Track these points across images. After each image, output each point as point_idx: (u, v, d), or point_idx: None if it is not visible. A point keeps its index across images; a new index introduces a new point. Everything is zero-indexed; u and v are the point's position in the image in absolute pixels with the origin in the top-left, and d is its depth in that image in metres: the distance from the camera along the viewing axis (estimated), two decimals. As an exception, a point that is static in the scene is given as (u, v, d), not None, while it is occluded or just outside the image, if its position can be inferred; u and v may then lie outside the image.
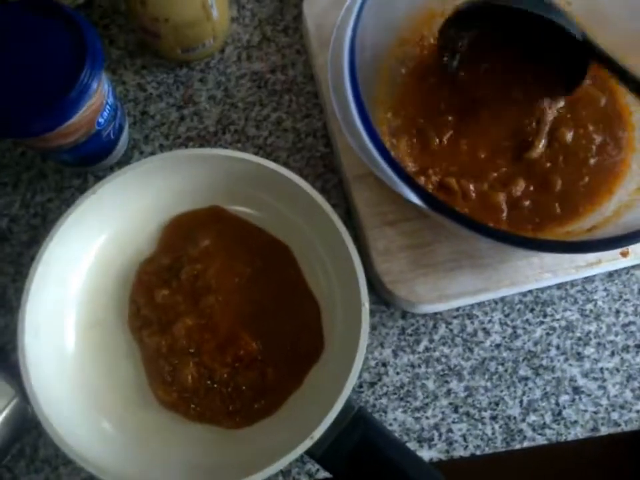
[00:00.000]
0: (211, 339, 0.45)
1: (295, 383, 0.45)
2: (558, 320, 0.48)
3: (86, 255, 0.46)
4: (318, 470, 0.45)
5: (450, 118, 0.47)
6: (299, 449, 0.39)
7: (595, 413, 0.46)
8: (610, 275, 0.49)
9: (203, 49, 0.53)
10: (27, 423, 0.44)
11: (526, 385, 0.46)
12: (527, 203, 0.44)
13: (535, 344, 0.47)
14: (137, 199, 0.46)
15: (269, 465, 0.39)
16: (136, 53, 0.55)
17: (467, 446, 0.45)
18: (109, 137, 0.47)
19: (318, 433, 0.39)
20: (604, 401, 0.46)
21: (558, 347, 0.47)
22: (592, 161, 0.46)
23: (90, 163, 0.49)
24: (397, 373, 0.47)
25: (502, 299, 0.48)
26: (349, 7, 0.41)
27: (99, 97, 0.44)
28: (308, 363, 0.45)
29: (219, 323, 0.45)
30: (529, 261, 0.46)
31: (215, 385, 0.44)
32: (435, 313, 0.47)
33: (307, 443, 0.39)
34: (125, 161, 0.51)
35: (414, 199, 0.37)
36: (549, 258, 0.46)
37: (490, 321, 0.48)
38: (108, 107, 0.45)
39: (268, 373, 0.44)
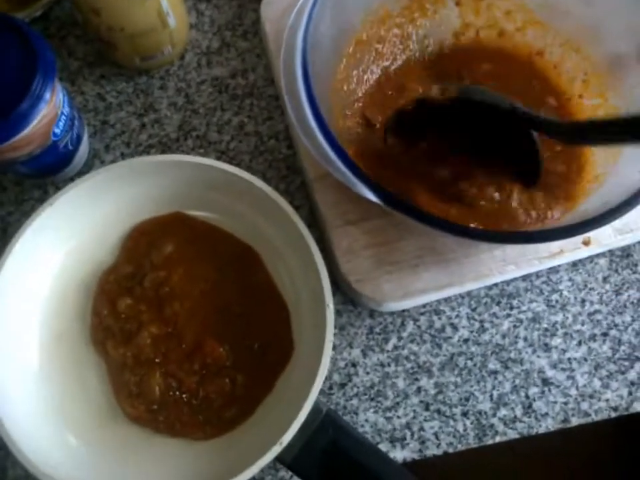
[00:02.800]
0: (177, 348, 0.44)
1: (265, 389, 0.44)
2: (524, 312, 0.48)
3: (48, 266, 0.45)
4: (292, 477, 0.44)
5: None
6: (268, 456, 0.38)
7: (565, 404, 0.46)
8: (574, 264, 0.49)
9: (161, 57, 0.52)
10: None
11: (495, 378, 0.46)
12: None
13: (503, 337, 0.47)
14: (97, 208, 0.46)
15: (239, 473, 0.38)
16: (95, 63, 0.54)
17: (439, 444, 0.45)
18: (66, 148, 0.47)
19: (286, 439, 0.39)
20: (573, 391, 0.46)
21: (525, 339, 0.47)
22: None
23: (49, 174, 0.48)
24: (367, 373, 0.46)
25: (468, 294, 0.48)
26: (300, 9, 0.41)
27: (53, 107, 0.43)
28: (278, 367, 0.44)
29: (185, 330, 0.45)
30: (492, 254, 0.46)
31: (184, 396, 0.44)
32: (403, 311, 0.47)
33: (276, 449, 0.39)
34: (86, 171, 0.51)
35: (372, 197, 0.37)
36: (512, 250, 0.46)
37: (457, 316, 0.48)
38: (63, 117, 0.45)
39: (238, 380, 0.44)
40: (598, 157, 0.45)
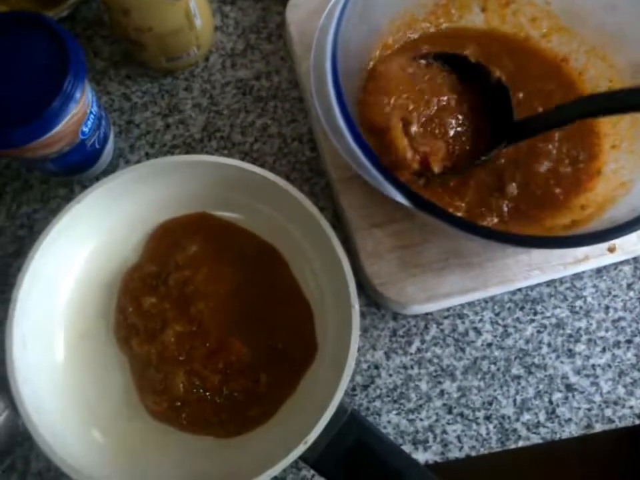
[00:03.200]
0: (202, 346, 0.44)
1: (289, 389, 0.44)
2: (548, 317, 0.48)
3: (73, 264, 0.46)
4: (314, 476, 0.44)
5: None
6: (293, 455, 0.38)
7: (589, 410, 0.46)
8: (598, 271, 0.49)
9: (187, 58, 0.53)
10: (18, 436, 0.43)
11: (519, 383, 0.46)
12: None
13: (526, 342, 0.47)
14: (123, 207, 0.46)
15: (263, 472, 0.38)
16: (120, 63, 0.55)
17: (461, 447, 0.45)
18: (93, 147, 0.47)
19: (311, 438, 0.39)
20: (597, 398, 0.46)
21: (549, 345, 0.47)
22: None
23: (75, 172, 0.49)
24: (390, 375, 0.46)
25: (492, 298, 0.48)
26: (330, 11, 0.41)
27: (83, 106, 0.44)
28: (301, 367, 0.44)
29: (209, 329, 0.45)
30: (517, 258, 0.46)
31: (207, 394, 0.44)
32: (426, 314, 0.47)
33: (301, 448, 0.39)
34: (110, 170, 0.51)
35: (400, 198, 0.37)
36: (537, 255, 0.46)
37: (481, 320, 0.47)
38: (92, 116, 0.45)
39: (261, 379, 0.44)
40: (626, 162, 0.45)
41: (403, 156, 0.44)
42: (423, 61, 0.48)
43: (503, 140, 0.45)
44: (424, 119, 0.46)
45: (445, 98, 0.47)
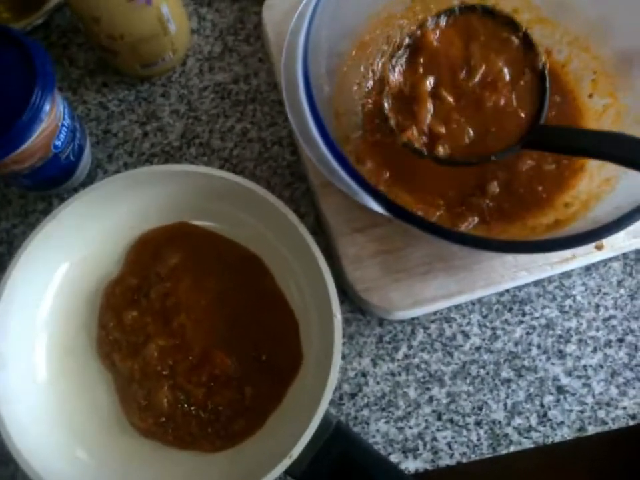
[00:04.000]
0: (185, 360, 0.44)
1: (275, 401, 0.43)
2: (537, 318, 0.47)
3: (52, 279, 0.45)
4: (301, 488, 0.43)
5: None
6: (278, 469, 0.38)
7: (581, 412, 0.45)
8: (587, 268, 0.48)
9: (163, 64, 0.52)
10: (3, 457, 0.42)
11: (509, 387, 0.45)
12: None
13: (516, 344, 0.46)
14: (101, 219, 0.45)
15: (250, 485, 0.38)
16: (96, 71, 0.54)
17: (452, 454, 0.44)
18: (68, 159, 0.46)
19: (296, 452, 0.38)
20: (589, 399, 0.45)
21: (539, 346, 0.46)
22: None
23: (51, 186, 0.48)
24: (377, 383, 0.45)
25: (479, 300, 0.47)
26: (302, 13, 0.40)
27: (53, 119, 0.43)
28: (287, 378, 0.44)
29: (192, 342, 0.44)
30: (503, 260, 0.45)
31: (192, 408, 0.43)
32: (412, 319, 0.46)
33: (286, 462, 0.38)
34: (89, 182, 0.50)
35: (376, 207, 0.36)
36: (523, 256, 0.45)
37: (468, 324, 0.47)
38: (64, 129, 0.44)
39: (246, 392, 0.43)
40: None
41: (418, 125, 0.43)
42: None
43: (519, 141, 0.42)
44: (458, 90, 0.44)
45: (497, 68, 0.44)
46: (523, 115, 0.43)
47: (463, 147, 0.43)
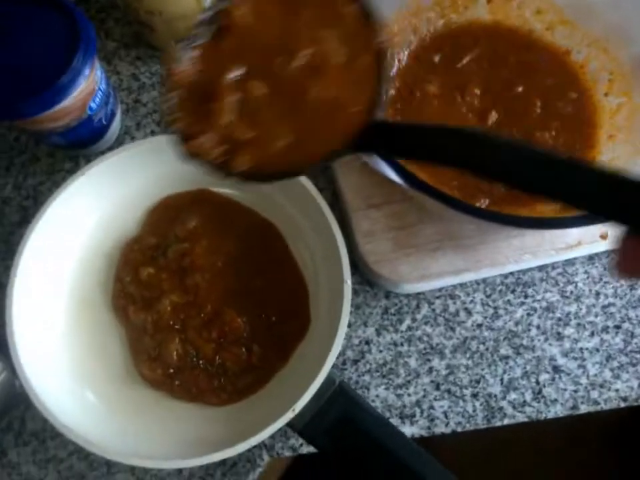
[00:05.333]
0: (197, 316, 0.46)
1: (281, 361, 0.45)
2: (539, 301, 0.49)
3: (75, 234, 0.47)
4: (302, 444, 0.45)
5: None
6: (281, 421, 0.40)
7: (575, 391, 0.47)
8: (590, 257, 0.50)
9: (195, 40, 0.54)
10: (15, 397, 0.44)
11: (507, 363, 0.47)
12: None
13: (516, 324, 0.48)
14: (126, 181, 0.48)
15: (251, 436, 0.39)
16: (131, 44, 0.56)
17: (448, 422, 0.46)
18: (100, 122, 0.49)
19: (299, 406, 0.40)
20: (583, 380, 0.47)
21: (538, 327, 0.48)
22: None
23: (82, 146, 0.50)
24: (380, 351, 0.47)
25: (484, 280, 0.49)
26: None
27: (91, 82, 0.45)
28: (294, 340, 0.46)
29: (205, 300, 0.46)
30: (510, 242, 0.47)
31: (200, 362, 0.45)
32: (418, 293, 0.48)
33: (289, 415, 0.40)
34: (116, 146, 0.52)
35: (394, 177, 0.38)
36: (530, 240, 0.47)
37: (472, 302, 0.48)
38: (100, 92, 0.47)
39: (254, 350, 0.45)
40: (621, 151, 0.46)
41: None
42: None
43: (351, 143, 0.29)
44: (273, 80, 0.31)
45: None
46: (355, 109, 0.30)
47: (275, 155, 0.30)
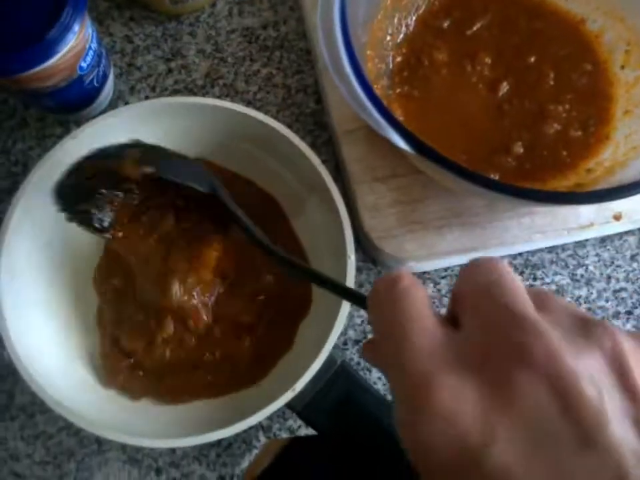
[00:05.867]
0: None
1: (285, 343, 0.43)
2: (548, 284, 0.47)
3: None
4: (300, 426, 0.44)
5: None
6: (280, 401, 0.38)
7: (583, 377, 0.45)
8: (602, 240, 0.48)
9: (193, 1, 0.51)
10: (3, 370, 0.42)
11: (513, 347, 0.45)
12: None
13: (524, 307, 0.46)
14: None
15: (250, 416, 0.38)
16: (124, 5, 0.53)
17: (451, 407, 0.44)
18: (91, 84, 0.46)
19: (299, 385, 0.38)
20: (592, 366, 0.45)
21: (547, 311, 0.46)
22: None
23: (72, 109, 0.48)
24: (383, 333, 0.45)
25: (491, 261, 0.47)
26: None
27: (81, 40, 0.42)
28: (296, 319, 0.43)
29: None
30: (519, 221, 0.45)
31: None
32: (423, 272, 0.46)
33: (289, 395, 0.38)
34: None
35: (403, 145, 0.36)
36: (540, 219, 0.45)
37: (479, 283, 0.46)
38: (91, 52, 0.44)
39: (258, 335, 0.43)
40: (639, 126, 0.44)
41: None
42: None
43: None
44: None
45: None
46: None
47: None
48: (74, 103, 0.47)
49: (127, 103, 0.51)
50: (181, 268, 0.41)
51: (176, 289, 0.41)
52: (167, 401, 0.42)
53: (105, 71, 0.47)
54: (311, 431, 0.40)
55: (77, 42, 0.42)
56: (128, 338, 0.42)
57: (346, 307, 0.39)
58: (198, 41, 0.52)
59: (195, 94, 0.51)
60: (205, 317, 0.42)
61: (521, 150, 0.44)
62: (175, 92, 0.51)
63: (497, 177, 0.43)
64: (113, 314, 0.43)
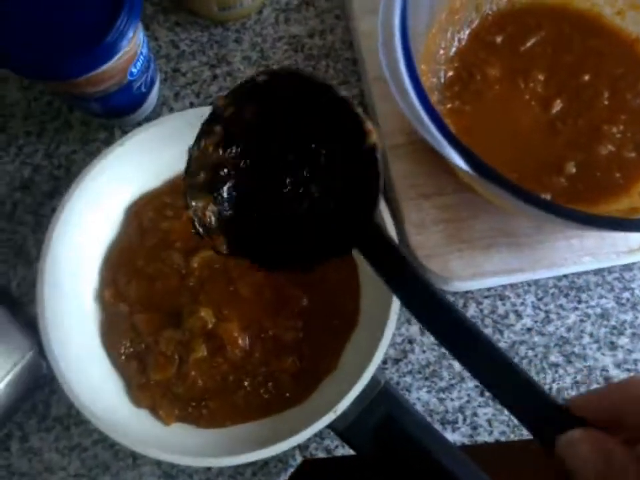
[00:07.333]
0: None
1: (331, 362, 0.42)
2: (593, 307, 0.46)
3: (109, 208, 0.45)
4: (337, 446, 0.43)
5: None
6: (321, 422, 0.37)
7: (627, 405, 0.44)
8: (650, 264, 0.47)
9: (240, 8, 0.51)
10: (41, 379, 0.42)
11: (556, 372, 0.45)
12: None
13: (568, 330, 0.45)
14: (164, 153, 0.44)
15: (290, 437, 0.37)
16: (170, 9, 0.53)
17: (491, 431, 0.43)
18: (139, 90, 0.46)
19: (341, 407, 0.38)
20: (637, 394, 0.44)
21: (591, 335, 0.45)
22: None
23: (118, 115, 0.47)
24: (423, 351, 0.45)
25: (536, 282, 0.46)
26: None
27: (134, 45, 0.42)
28: (342, 339, 0.42)
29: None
30: (569, 242, 0.44)
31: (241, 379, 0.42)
32: (466, 292, 0.46)
33: (330, 416, 0.38)
34: (153, 117, 0.50)
35: (461, 163, 0.35)
36: (590, 241, 0.44)
37: (522, 304, 0.46)
38: (142, 57, 0.44)
39: (304, 353, 0.42)
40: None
41: None
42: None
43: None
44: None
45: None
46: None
47: None
48: (121, 108, 0.46)
49: (171, 109, 0.50)
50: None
51: (207, 313, 0.41)
52: (203, 426, 0.41)
53: (153, 77, 0.47)
54: (348, 451, 0.40)
55: (130, 47, 0.41)
56: (154, 369, 0.41)
57: (391, 327, 0.39)
58: (243, 48, 0.52)
59: (239, 102, 0.50)
60: (240, 342, 0.42)
61: (573, 170, 0.43)
62: (220, 99, 0.50)
63: (548, 197, 0.42)
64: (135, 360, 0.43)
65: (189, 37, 0.52)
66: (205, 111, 0.42)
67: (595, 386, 0.44)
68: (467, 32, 0.47)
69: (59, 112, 0.50)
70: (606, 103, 0.46)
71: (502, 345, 0.45)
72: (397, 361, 0.45)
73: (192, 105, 0.51)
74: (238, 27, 0.53)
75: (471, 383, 0.44)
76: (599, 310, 0.46)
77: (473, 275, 0.43)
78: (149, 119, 0.50)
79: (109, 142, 0.48)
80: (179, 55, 0.52)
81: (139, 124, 0.49)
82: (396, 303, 0.39)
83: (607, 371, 0.45)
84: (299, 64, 0.51)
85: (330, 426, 0.38)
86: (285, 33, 0.52)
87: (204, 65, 0.52)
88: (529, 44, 0.47)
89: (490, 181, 0.34)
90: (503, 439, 0.43)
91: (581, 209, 0.41)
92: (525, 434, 0.43)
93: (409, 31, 0.36)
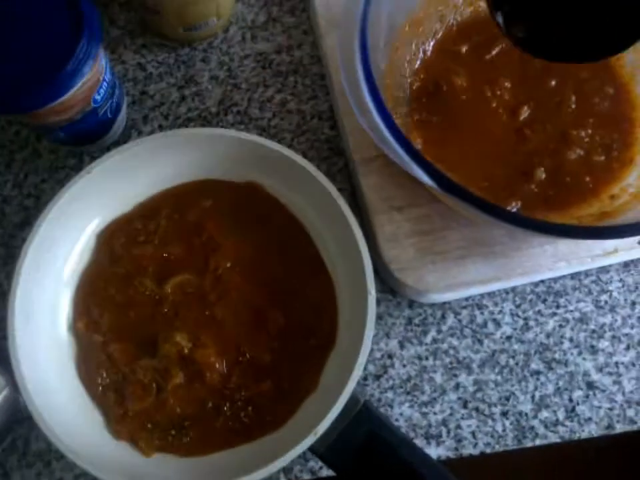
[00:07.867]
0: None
1: (310, 384, 0.41)
2: (571, 311, 0.46)
3: (80, 236, 0.44)
4: (321, 467, 0.43)
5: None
6: (302, 446, 0.37)
7: (610, 409, 0.44)
8: (626, 265, 0.47)
9: (206, 28, 0.51)
10: (19, 415, 0.41)
11: (538, 379, 0.44)
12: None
13: (547, 336, 0.45)
14: (133, 178, 0.44)
15: (271, 462, 0.37)
16: (136, 32, 0.53)
17: (476, 443, 0.43)
18: (105, 115, 0.45)
19: (321, 429, 0.37)
20: (619, 397, 0.44)
21: (571, 340, 0.45)
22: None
23: (86, 141, 0.47)
24: (404, 366, 0.45)
25: (513, 289, 0.46)
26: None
27: (96, 72, 0.42)
28: (321, 357, 0.42)
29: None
30: (543, 249, 0.44)
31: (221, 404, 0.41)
32: (444, 303, 0.45)
33: (310, 439, 0.37)
34: (122, 141, 0.49)
35: (426, 179, 0.35)
36: (564, 246, 0.44)
37: (500, 312, 0.46)
38: (105, 83, 0.44)
39: (282, 375, 0.41)
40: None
41: None
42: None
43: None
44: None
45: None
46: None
47: None
48: (88, 134, 0.46)
49: (140, 132, 0.50)
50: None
51: (183, 338, 0.41)
52: (184, 455, 0.40)
53: (119, 102, 0.47)
54: (333, 473, 0.40)
55: (92, 74, 0.41)
56: (132, 399, 0.41)
57: (367, 344, 0.38)
58: (211, 67, 0.52)
59: (208, 122, 0.50)
60: (218, 366, 0.41)
61: (543, 176, 0.43)
62: (189, 120, 0.50)
63: (519, 204, 0.42)
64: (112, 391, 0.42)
65: (156, 59, 0.52)
66: (176, 133, 0.43)
67: (577, 392, 0.44)
68: (432, 43, 0.47)
69: (27, 141, 0.49)
70: (573, 107, 0.46)
71: (482, 354, 0.45)
72: (377, 377, 0.44)
73: (161, 127, 0.50)
74: (205, 46, 0.52)
75: (453, 395, 0.44)
76: (577, 314, 0.46)
77: (448, 287, 0.43)
78: (117, 143, 0.49)
79: (78, 168, 0.48)
80: (146, 77, 0.52)
81: (108, 149, 0.49)
82: (371, 319, 0.39)
83: (589, 375, 0.45)
84: (267, 81, 0.51)
85: (310, 448, 0.37)
86: (252, 50, 0.52)
87: (172, 86, 0.51)
88: (494, 52, 0.47)
89: (455, 196, 0.34)
90: (488, 450, 0.43)
91: (552, 216, 0.42)
92: (511, 445, 0.43)
93: (368, 51, 0.36)
